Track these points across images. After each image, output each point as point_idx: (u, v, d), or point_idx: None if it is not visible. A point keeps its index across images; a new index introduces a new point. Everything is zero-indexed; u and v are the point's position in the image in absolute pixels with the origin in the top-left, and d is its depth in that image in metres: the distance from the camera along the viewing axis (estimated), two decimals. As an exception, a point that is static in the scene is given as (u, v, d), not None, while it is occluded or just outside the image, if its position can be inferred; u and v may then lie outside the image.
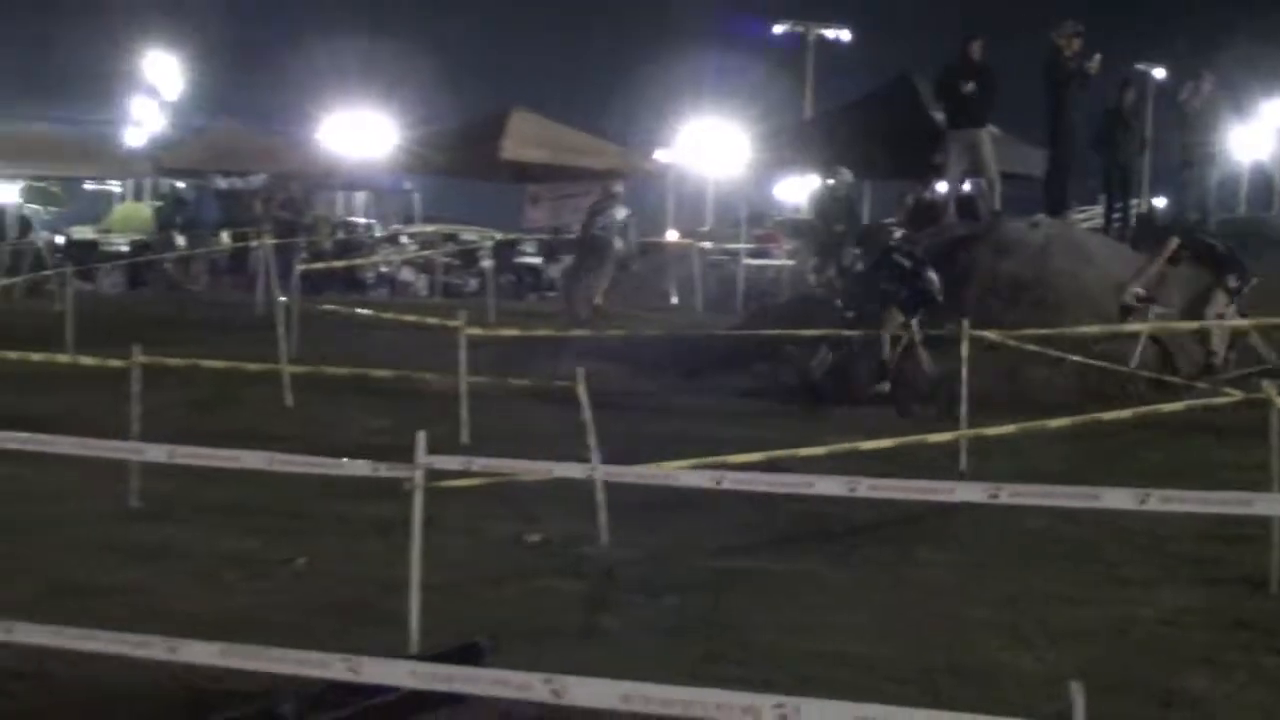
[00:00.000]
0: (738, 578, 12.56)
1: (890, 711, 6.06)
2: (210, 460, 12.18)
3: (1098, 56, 25.46)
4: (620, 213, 32.69)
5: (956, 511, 13.29)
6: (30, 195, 53.33)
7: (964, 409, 16.52)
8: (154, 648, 6.68)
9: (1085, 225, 28.98)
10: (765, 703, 6.00)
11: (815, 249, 33.42)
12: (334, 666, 6.45)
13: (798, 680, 8.81)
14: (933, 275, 20.96)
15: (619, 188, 33.83)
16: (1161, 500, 9.89)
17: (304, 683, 8.26)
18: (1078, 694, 5.63)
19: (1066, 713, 5.67)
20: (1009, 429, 14.73)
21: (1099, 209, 31.10)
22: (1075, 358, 19.63)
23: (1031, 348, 19.42)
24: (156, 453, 12.74)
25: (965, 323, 17.86)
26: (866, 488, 10.18)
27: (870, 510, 13.64)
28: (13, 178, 48.10)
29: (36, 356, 20.09)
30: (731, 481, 11.26)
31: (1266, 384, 12.01)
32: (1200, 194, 26.68)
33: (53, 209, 57.22)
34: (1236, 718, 9.34)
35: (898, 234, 23.52)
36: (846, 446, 14.48)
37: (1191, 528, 13.02)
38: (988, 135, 26.73)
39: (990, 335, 18.77)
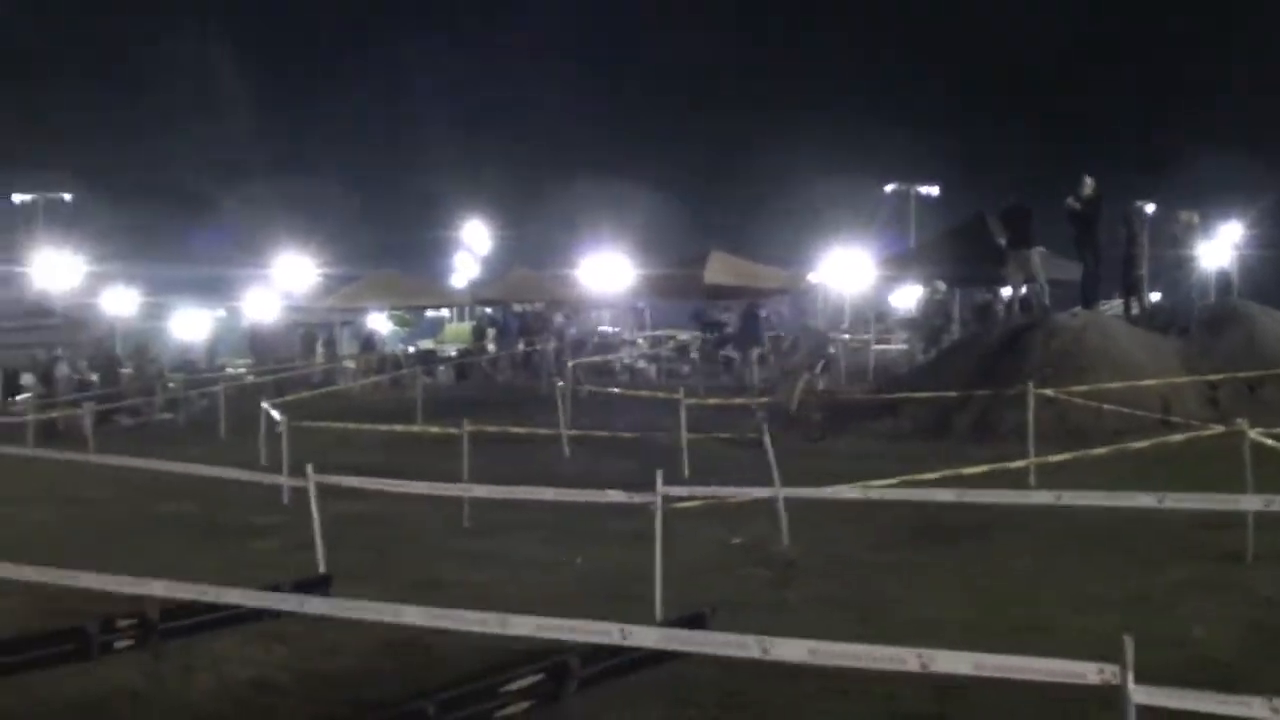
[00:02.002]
0: (879, 566, 12.41)
1: (996, 658, 5.92)
2: (518, 494, 12.30)
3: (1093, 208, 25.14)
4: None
5: (1028, 514, 13.07)
6: (392, 320, 54.44)
7: (1031, 444, 16.26)
8: (490, 624, 6.71)
9: (1109, 314, 28.36)
10: (909, 653, 5.88)
11: (921, 337, 33.13)
12: (611, 633, 6.42)
13: (926, 637, 8.61)
14: None
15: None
16: (1174, 500, 9.68)
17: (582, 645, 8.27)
18: (1129, 643, 5.46)
19: (1117, 656, 5.48)
20: (1064, 456, 14.49)
21: (1117, 302, 30.55)
22: (1108, 406, 19.34)
23: (1077, 400, 19.17)
24: (482, 490, 12.89)
25: (1030, 385, 17.71)
26: (971, 495, 10.06)
27: (969, 515, 13.43)
28: (379, 308, 49.08)
29: (399, 428, 20.42)
30: (876, 494, 11.16)
31: (1241, 420, 11.97)
32: (1186, 290, 26.24)
33: (405, 329, 58.30)
34: (1225, 653, 9.10)
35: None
36: (953, 472, 14.30)
37: (1190, 521, 12.67)
38: (1037, 253, 26.33)
39: (1047, 393, 18.55)
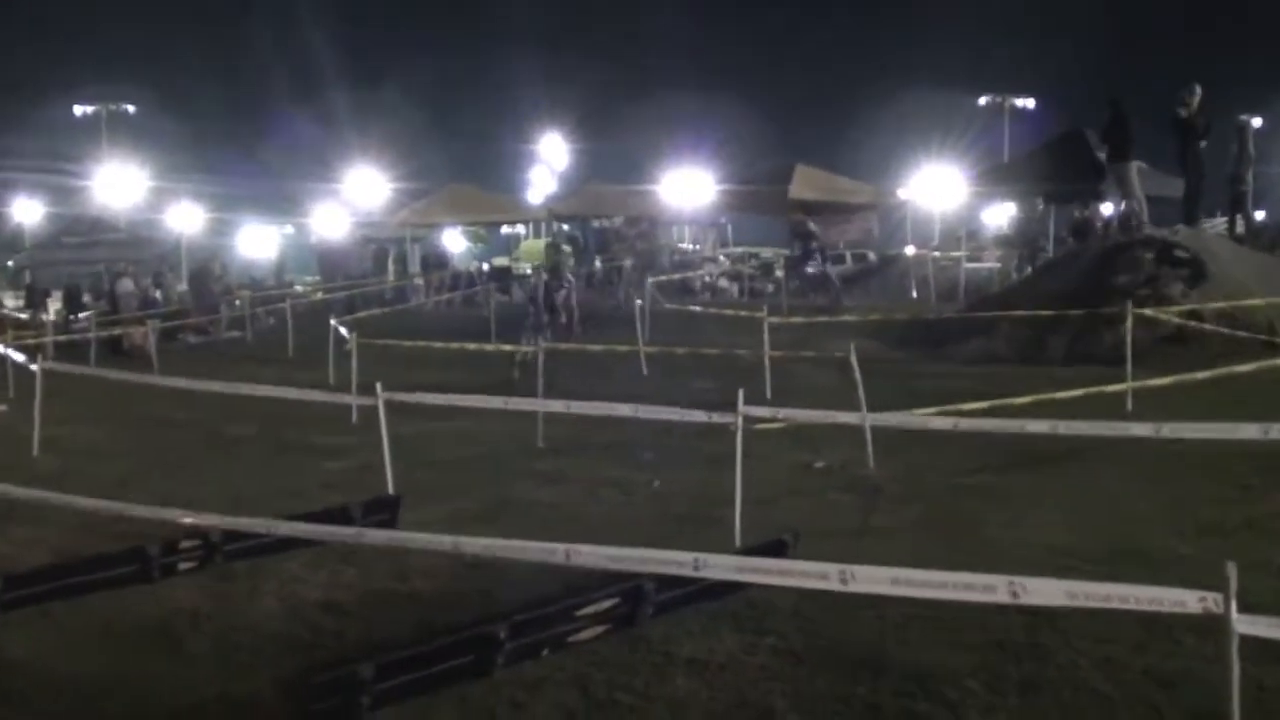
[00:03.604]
0: (969, 491, 12.29)
1: (1090, 586, 5.82)
2: (593, 410, 12.28)
3: (1202, 120, 24.60)
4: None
5: (1127, 440, 12.86)
6: (466, 237, 54.59)
7: (1129, 365, 16.03)
8: (557, 555, 6.69)
9: (1212, 232, 27.90)
10: (1000, 581, 5.80)
11: (1016, 254, 32.77)
12: (685, 563, 6.37)
13: (1018, 564, 8.55)
14: None
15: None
16: (1279, 432, 9.47)
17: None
18: (1231, 570, 5.34)
19: (1220, 584, 5.37)
20: (1166, 380, 14.26)
21: (1221, 220, 30.05)
22: (1208, 326, 19.04)
23: (1177, 320, 18.88)
24: (556, 406, 12.89)
25: (1128, 304, 17.45)
26: (1065, 427, 9.91)
27: (1065, 440, 13.23)
28: (454, 224, 49.19)
29: (471, 346, 20.47)
30: (966, 425, 11.02)
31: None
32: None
33: (480, 245, 58.47)
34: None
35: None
36: (1046, 396, 14.14)
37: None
38: (1135, 168, 25.89)
39: (1146, 312, 18.29)
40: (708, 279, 41.56)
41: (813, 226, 34.80)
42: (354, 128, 63.92)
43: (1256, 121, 27.00)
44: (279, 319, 30.93)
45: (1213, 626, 5.52)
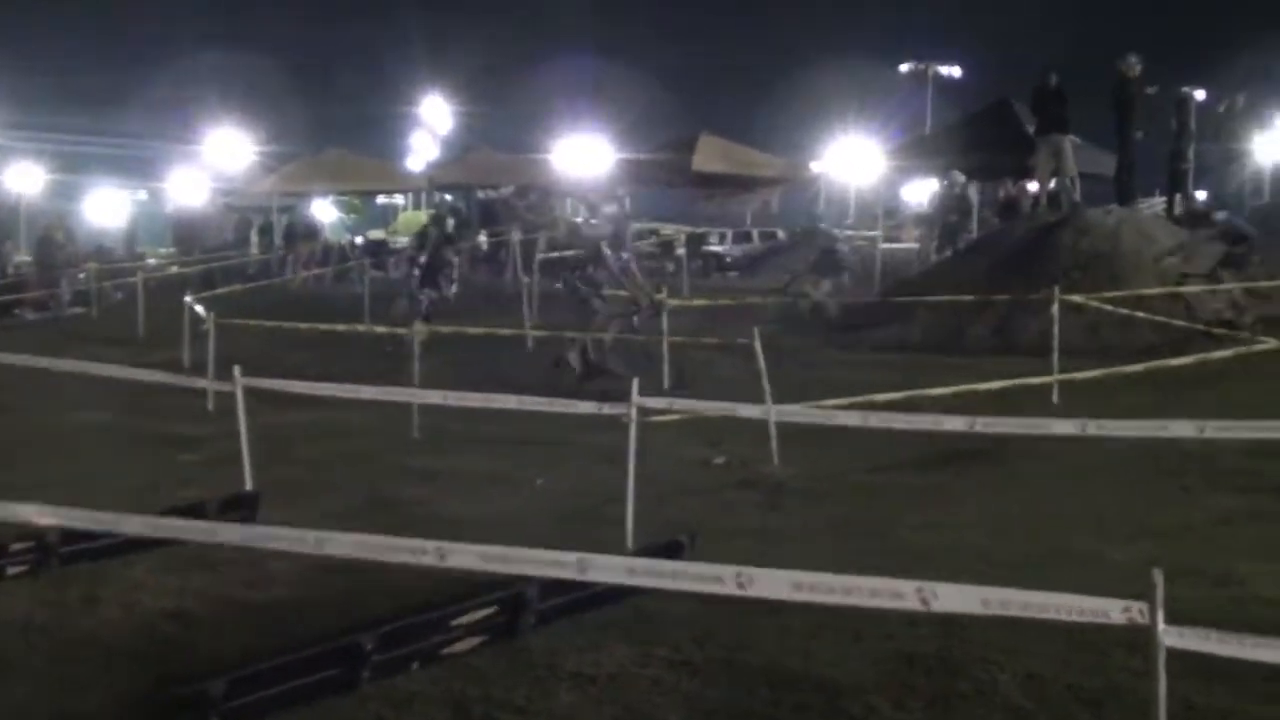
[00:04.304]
0: (881, 490, 12.40)
1: (1007, 593, 5.86)
2: (473, 402, 12.22)
3: (1152, 89, 24.97)
4: None
5: (1055, 437, 13.05)
6: (339, 207, 54.18)
7: (1055, 358, 16.22)
8: (428, 555, 6.62)
9: (1148, 212, 28.33)
10: (908, 587, 5.83)
11: (935, 235, 33.01)
12: (568, 566, 6.34)
13: (931, 569, 8.58)
14: None
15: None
16: (1216, 430, 9.64)
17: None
18: (1158, 578, 5.40)
19: (1146, 593, 5.43)
20: (1096, 373, 14.45)
21: (1158, 199, 30.48)
22: (1141, 314, 19.29)
23: (1107, 308, 19.12)
24: (433, 396, 12.82)
25: (1056, 289, 17.65)
26: (982, 424, 10.00)
27: (986, 437, 13.41)
28: (325, 194, 48.79)
29: (341, 327, 20.32)
30: (877, 420, 11.10)
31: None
32: (1235, 187, 26.10)
33: (354, 217, 58.06)
34: (1274, 591, 9.05)
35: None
36: (966, 388, 14.28)
37: (1237, 447, 12.67)
38: (1069, 142, 26.21)
39: (1075, 299, 18.51)
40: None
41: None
42: (217, 85, 63.14)
43: (1199, 94, 27.35)
44: (129, 294, 30.50)
45: (1139, 639, 5.58)
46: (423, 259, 24.68)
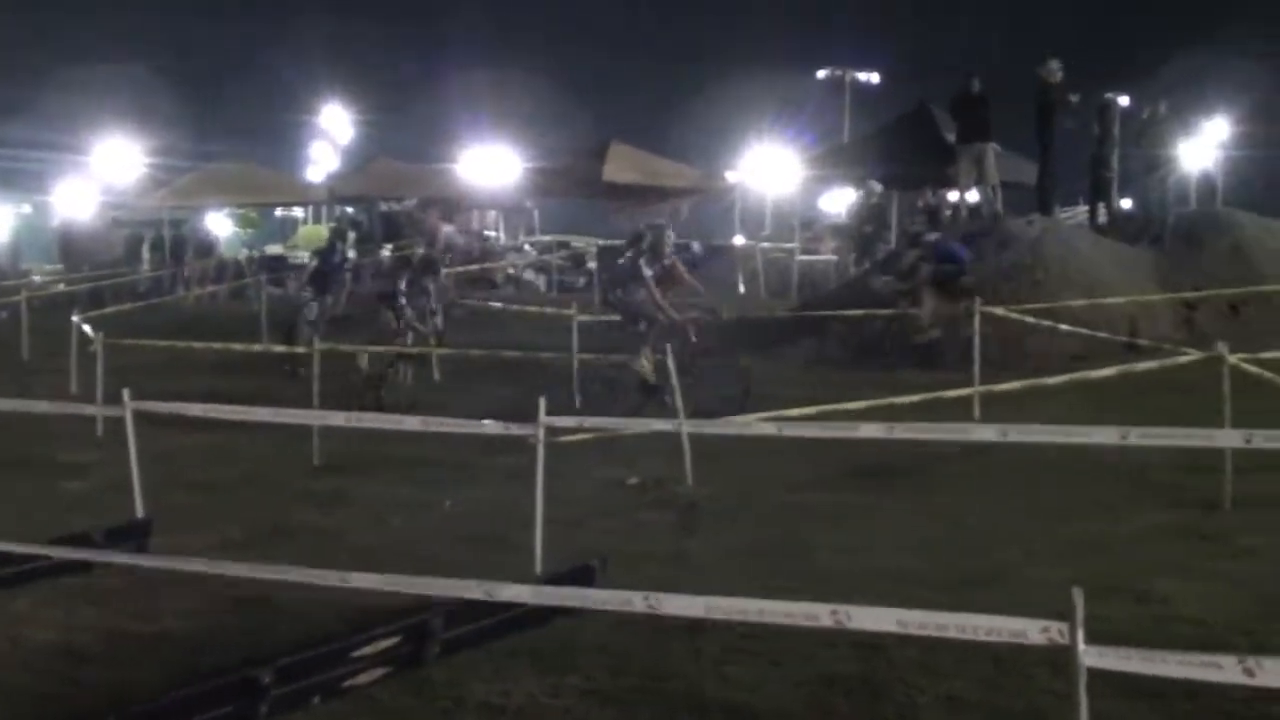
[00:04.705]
0: (799, 509, 12.45)
1: (924, 614, 5.93)
2: (377, 424, 12.18)
3: (1075, 97, 25.24)
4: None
5: (975, 451, 13.17)
6: (234, 221, 53.74)
7: (976, 370, 16.39)
8: (330, 579, 6.61)
9: (1071, 221, 28.64)
10: (823, 609, 5.88)
11: (852, 247, 33.21)
12: (473, 590, 6.35)
13: (848, 591, 8.64)
14: None
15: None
16: (1139, 437, 9.76)
17: (448, 603, 8.23)
18: (1078, 597, 5.48)
19: (1066, 612, 5.51)
20: (1017, 386, 14.58)
21: (1081, 209, 30.78)
22: (1063, 326, 19.48)
23: (1029, 319, 19.30)
24: (335, 419, 12.77)
25: (977, 300, 17.84)
26: (901, 430, 10.07)
27: (905, 452, 13.53)
28: (220, 207, 48.44)
29: (238, 346, 20.18)
30: (791, 429, 11.17)
31: (1220, 344, 12.05)
32: (1160, 194, 26.36)
33: (251, 231, 57.62)
34: (1197, 609, 9.15)
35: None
36: (884, 402, 14.36)
37: (1161, 461, 12.88)
38: (991, 150, 26.49)
39: (996, 310, 18.69)
40: (511, 271, 41.49)
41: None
42: (106, 94, 62.52)
43: (1123, 100, 27.61)
44: (12, 313, 30.13)
45: (1061, 658, 5.65)
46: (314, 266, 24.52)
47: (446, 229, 29.21)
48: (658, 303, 17.87)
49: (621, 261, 19.18)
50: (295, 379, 19.07)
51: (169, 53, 74.67)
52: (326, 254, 25.10)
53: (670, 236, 18.55)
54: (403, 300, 19.80)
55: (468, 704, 7.69)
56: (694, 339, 17.92)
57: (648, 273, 18.01)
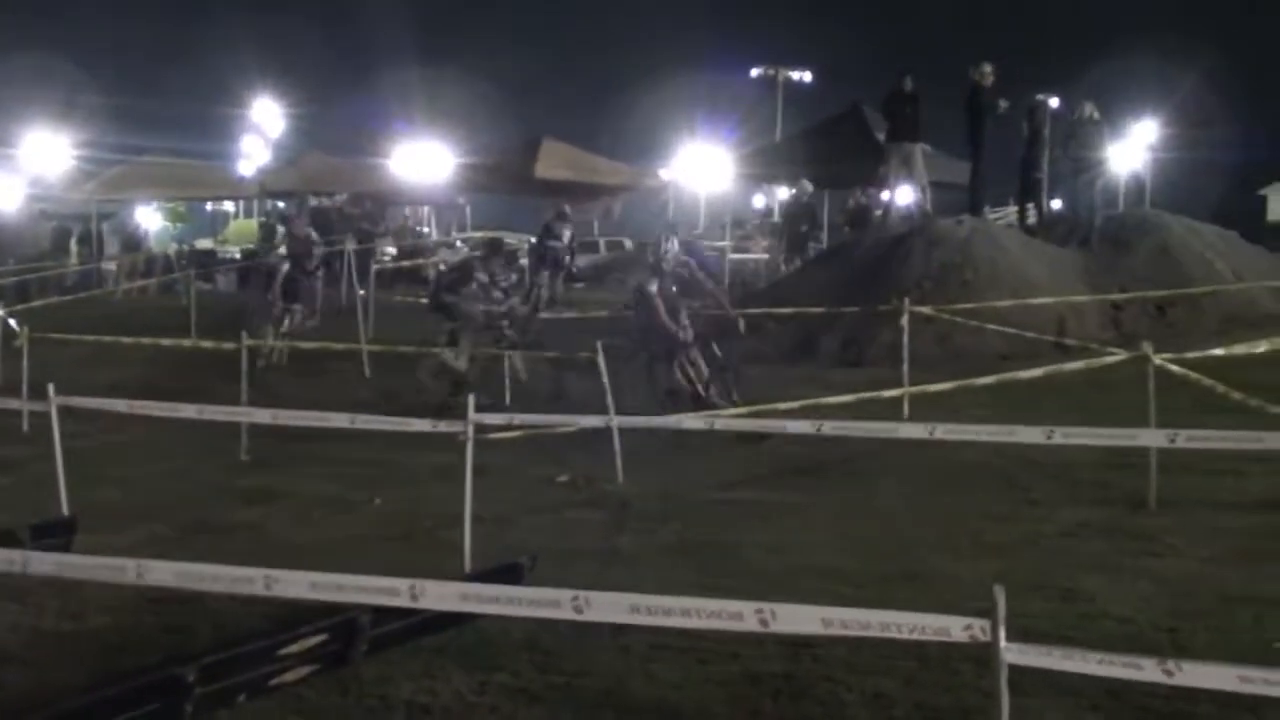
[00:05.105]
0: (728, 508, 12.49)
1: (848, 612, 5.97)
2: (304, 420, 12.13)
3: (1005, 103, 25.39)
4: (566, 232, 32.06)
5: (903, 449, 13.25)
6: (163, 215, 53.39)
7: (906, 370, 16.47)
8: (255, 584, 6.58)
9: (1000, 222, 28.85)
10: (748, 608, 5.90)
11: (784, 245, 33.34)
12: (401, 593, 6.34)
13: (776, 589, 8.69)
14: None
15: (567, 208, 33.24)
16: (1064, 436, 9.88)
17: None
18: (999, 594, 5.53)
19: (989, 610, 5.56)
20: (946, 386, 14.66)
21: (1011, 209, 31.01)
22: (992, 326, 19.58)
23: (958, 320, 19.40)
24: (262, 415, 12.72)
25: (906, 300, 17.93)
26: (830, 428, 10.13)
27: (834, 450, 13.61)
28: (148, 200, 48.13)
29: (166, 342, 20.05)
30: (722, 423, 11.22)
31: (1146, 344, 12.15)
32: (1089, 196, 26.53)
33: (179, 225, 57.26)
34: (1123, 607, 9.23)
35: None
36: (814, 401, 14.43)
37: (1087, 459, 13.00)
38: (920, 150, 26.61)
39: (925, 311, 18.77)
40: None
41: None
42: (33, 85, 61.91)
43: (1053, 102, 27.77)
44: (-66, 307, 29.84)
45: (985, 655, 5.71)
46: (284, 269, 24.26)
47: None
48: (662, 324, 16.48)
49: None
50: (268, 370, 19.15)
51: (98, 43, 74.04)
52: (299, 258, 24.77)
53: (672, 245, 17.10)
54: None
55: (394, 702, 7.69)
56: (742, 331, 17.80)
57: (652, 289, 16.61)
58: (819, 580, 9.79)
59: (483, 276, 19.01)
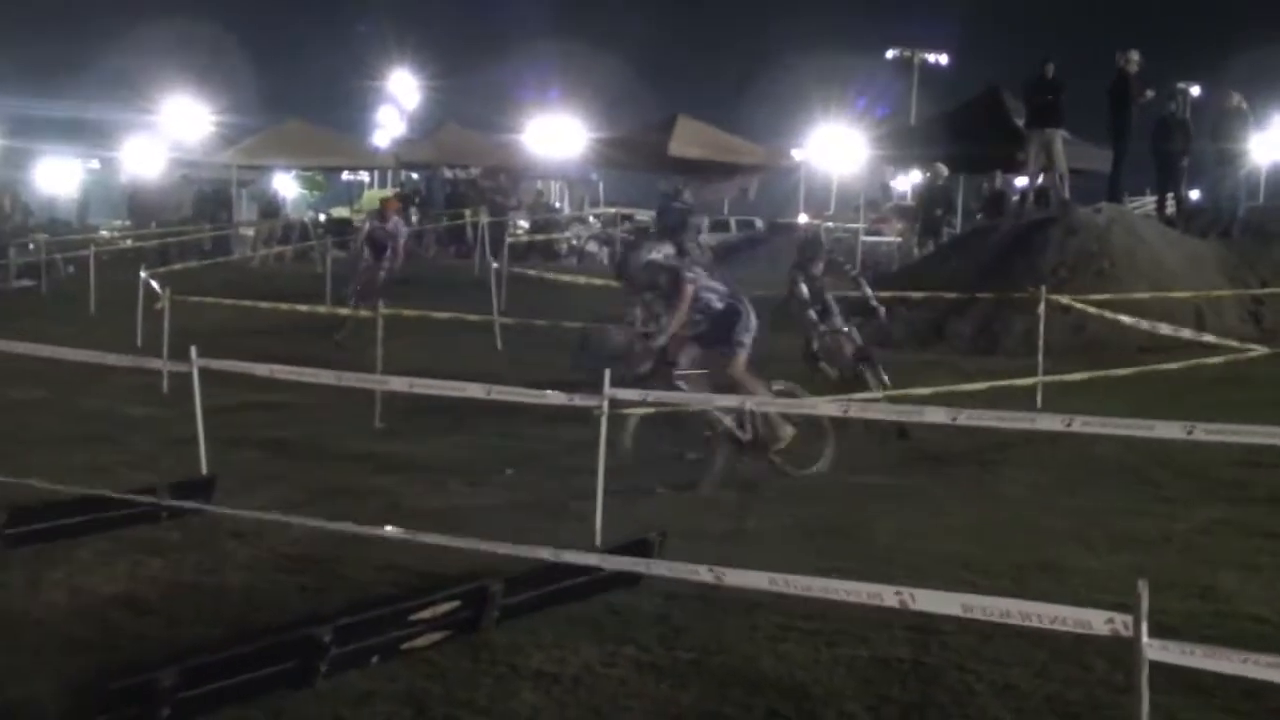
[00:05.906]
0: (860, 492, 12.41)
1: (987, 599, 5.92)
2: (439, 390, 12.20)
3: (1151, 92, 25.07)
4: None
5: (1037, 440, 13.12)
6: (301, 183, 53.97)
7: (1040, 359, 16.28)
8: (394, 537, 6.65)
9: (1138, 211, 28.44)
10: (887, 591, 5.88)
11: (918, 229, 33.11)
12: (541, 554, 6.39)
13: (910, 573, 8.64)
14: None
15: (686, 192, 32.84)
16: (1205, 432, 9.68)
17: (507, 570, 8.28)
18: (1143, 589, 5.46)
19: (1129, 604, 5.49)
20: (1081, 375, 14.49)
21: (1150, 199, 30.59)
22: (1125, 318, 19.31)
23: (1094, 310, 19.17)
24: (398, 383, 12.80)
25: (1043, 289, 17.71)
26: (965, 417, 10.02)
27: (964, 437, 13.49)
28: (286, 167, 48.67)
29: (303, 308, 20.29)
30: (857, 410, 11.15)
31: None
32: (1231, 187, 26.10)
33: (316, 193, 57.86)
34: (1260, 607, 9.05)
35: None
36: (948, 388, 14.33)
37: (1223, 457, 12.78)
38: (1060, 136, 26.31)
39: (1062, 300, 18.57)
40: (574, 242, 41.57)
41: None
42: (175, 51, 62.72)
43: (1195, 91, 27.39)
44: (80, 268, 30.38)
45: (1121, 651, 5.64)
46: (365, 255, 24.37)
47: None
48: (801, 319, 16.05)
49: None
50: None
51: (240, 11, 74.89)
52: (378, 245, 24.93)
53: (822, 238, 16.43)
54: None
55: (524, 671, 7.71)
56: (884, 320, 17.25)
57: (803, 288, 16.15)
58: (951, 568, 9.71)
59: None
